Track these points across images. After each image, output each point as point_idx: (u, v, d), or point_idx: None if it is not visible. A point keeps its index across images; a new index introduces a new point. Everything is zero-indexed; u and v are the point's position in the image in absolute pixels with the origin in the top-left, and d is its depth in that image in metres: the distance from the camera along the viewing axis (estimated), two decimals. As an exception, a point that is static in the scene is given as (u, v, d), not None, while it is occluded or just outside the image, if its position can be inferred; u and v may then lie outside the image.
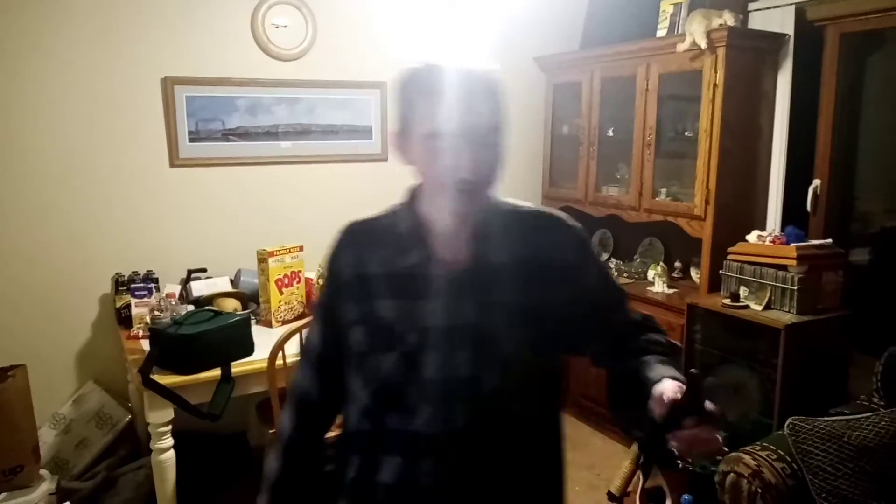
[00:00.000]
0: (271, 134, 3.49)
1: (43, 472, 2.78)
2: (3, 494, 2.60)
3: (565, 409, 3.09)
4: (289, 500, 1.39)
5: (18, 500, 2.60)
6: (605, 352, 1.31)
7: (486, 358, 1.16)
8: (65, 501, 2.80)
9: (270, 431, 2.74)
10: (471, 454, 1.18)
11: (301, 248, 3.16)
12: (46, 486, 2.70)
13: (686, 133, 3.40)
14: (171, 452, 2.60)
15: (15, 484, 2.64)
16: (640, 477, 2.85)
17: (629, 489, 3.00)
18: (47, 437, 3.05)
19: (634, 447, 3.02)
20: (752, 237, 2.99)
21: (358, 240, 1.28)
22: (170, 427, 2.57)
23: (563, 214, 1.29)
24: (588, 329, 1.28)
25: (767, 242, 2.92)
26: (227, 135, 3.39)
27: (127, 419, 3.16)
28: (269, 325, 3.05)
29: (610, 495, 3.06)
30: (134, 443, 3.18)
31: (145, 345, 2.77)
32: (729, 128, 3.14)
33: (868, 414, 2.32)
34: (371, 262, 1.22)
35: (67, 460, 3.04)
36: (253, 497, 3.12)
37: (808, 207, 3.14)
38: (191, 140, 3.31)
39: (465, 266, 1.17)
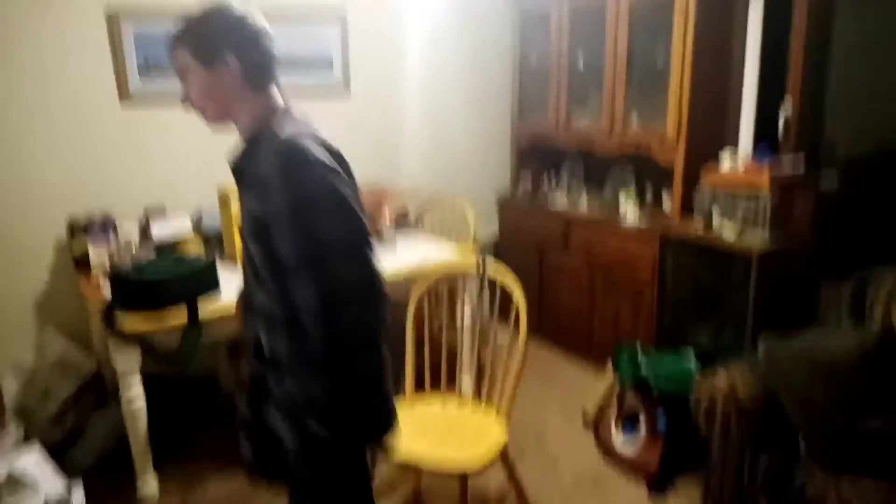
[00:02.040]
0: (228, 66, 3.32)
1: (9, 422, 2.69)
2: (-32, 446, 2.52)
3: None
4: None
5: (-16, 451, 2.51)
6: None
7: (247, 270, 1.44)
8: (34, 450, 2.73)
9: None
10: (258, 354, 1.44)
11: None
12: (13, 435, 2.62)
13: (658, 62, 3.33)
14: (142, 400, 2.53)
15: (-21, 435, 2.56)
16: (615, 402, 2.89)
17: (604, 414, 3.04)
18: (10, 386, 2.95)
19: (608, 372, 3.05)
20: (726, 156, 2.96)
21: None
22: (138, 374, 2.50)
23: (287, 145, 1.34)
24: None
25: (740, 166, 2.90)
26: (182, 68, 3.21)
27: (92, 366, 3.06)
28: (234, 261, 2.94)
29: (585, 421, 3.12)
30: (101, 390, 3.10)
31: (106, 291, 2.66)
32: (701, 53, 3.08)
33: (836, 330, 2.37)
34: None
35: (34, 410, 2.94)
36: (226, 439, 3.09)
37: (780, 135, 3.12)
38: (140, 74, 3.13)
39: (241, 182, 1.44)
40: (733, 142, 3.26)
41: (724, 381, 2.30)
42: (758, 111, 3.20)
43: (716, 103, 3.21)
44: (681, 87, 3.11)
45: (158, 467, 2.70)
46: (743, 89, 3.23)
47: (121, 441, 2.67)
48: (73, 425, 2.86)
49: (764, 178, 2.77)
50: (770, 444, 2.20)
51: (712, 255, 2.86)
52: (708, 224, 2.93)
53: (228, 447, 2.96)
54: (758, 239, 2.77)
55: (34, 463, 1.74)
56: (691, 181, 3.10)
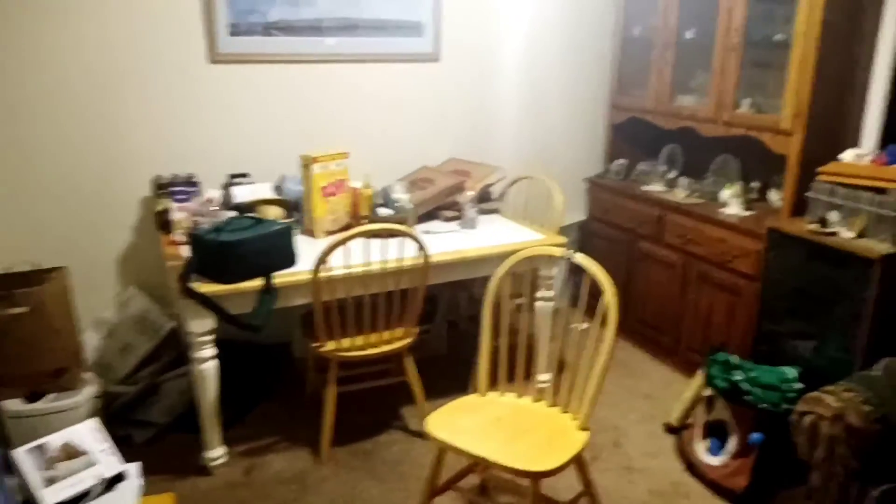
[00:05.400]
0: (315, 28, 3.22)
1: (87, 375, 2.75)
2: (50, 396, 2.59)
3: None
4: None
5: (64, 401, 2.58)
6: None
7: None
8: (109, 405, 2.79)
9: (314, 345, 2.63)
10: None
11: (346, 155, 2.96)
12: (91, 389, 2.68)
13: (776, 37, 3.01)
14: (213, 362, 2.52)
15: (60, 385, 2.62)
16: (703, 409, 2.68)
17: (689, 421, 2.84)
18: (91, 340, 3.03)
19: (697, 378, 2.83)
20: (848, 156, 2.66)
21: None
22: (211, 336, 2.48)
23: None
24: None
25: (866, 162, 2.59)
26: (269, 29, 3.14)
27: (170, 326, 3.09)
28: (312, 234, 2.90)
29: (667, 426, 2.92)
30: (178, 349, 3.13)
31: (185, 251, 2.66)
32: (829, 30, 2.75)
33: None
34: None
35: (112, 365, 3.01)
36: (295, 410, 3.08)
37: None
38: (231, 34, 3.08)
39: None
40: (856, 135, 2.94)
41: (833, 400, 2.05)
42: (889, 102, 2.86)
43: (841, 88, 2.88)
44: (802, 66, 2.79)
45: (226, 433, 2.70)
46: (873, 75, 2.89)
47: (193, 403, 2.67)
48: (150, 383, 2.90)
49: (893, 173, 2.45)
50: (881, 478, 1.95)
51: (826, 255, 2.57)
52: (823, 220, 2.64)
53: (296, 420, 2.96)
54: (882, 240, 2.47)
55: (91, 432, 1.73)
56: (806, 173, 2.80)
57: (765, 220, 2.90)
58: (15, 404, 2.52)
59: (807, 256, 2.65)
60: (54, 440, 1.67)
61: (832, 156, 2.75)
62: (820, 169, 2.71)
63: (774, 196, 3.20)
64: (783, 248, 2.75)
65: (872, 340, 2.45)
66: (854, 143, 2.92)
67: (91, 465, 1.66)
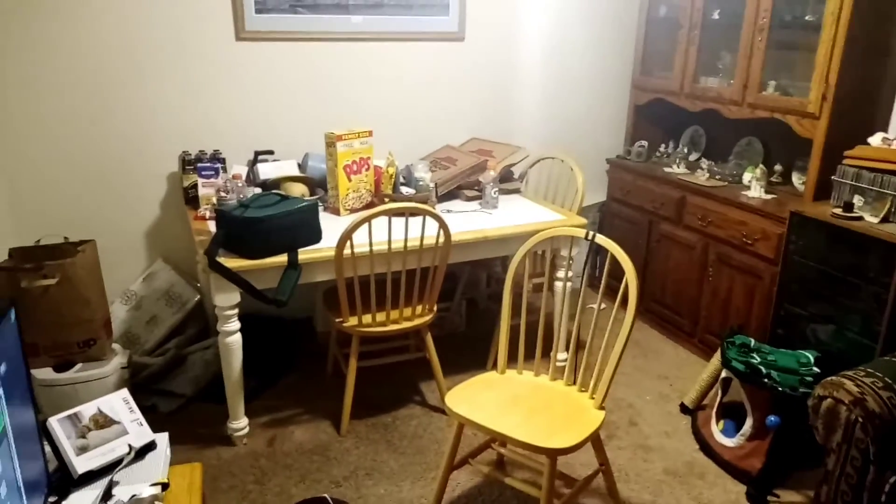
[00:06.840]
0: (341, 6, 3.23)
1: (115, 346, 2.82)
2: (79, 365, 2.66)
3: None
4: None
5: (92, 371, 2.64)
6: None
7: None
8: (135, 376, 2.86)
9: (336, 320, 2.68)
10: None
11: (370, 133, 2.98)
12: (118, 359, 2.75)
13: (807, 17, 2.97)
14: (238, 335, 2.57)
15: (88, 356, 2.69)
16: (719, 391, 2.70)
17: (704, 402, 2.86)
18: (119, 312, 3.09)
19: (714, 359, 2.85)
20: (876, 140, 2.64)
21: None
22: (236, 310, 2.53)
23: None
24: None
25: (894, 147, 2.57)
26: (295, 6, 3.15)
27: (196, 299, 3.16)
28: (336, 212, 2.93)
29: (683, 407, 2.94)
30: (203, 322, 3.20)
31: (212, 226, 2.70)
32: (860, 11, 2.70)
33: None
34: None
35: (139, 336, 3.09)
36: (317, 380, 3.13)
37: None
38: (257, 11, 3.10)
39: None
40: (884, 120, 2.91)
41: (853, 385, 2.06)
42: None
43: (870, 71, 2.84)
44: (832, 48, 2.75)
45: (249, 404, 2.76)
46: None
47: (219, 374, 2.73)
48: (175, 355, 2.97)
49: (923, 159, 2.43)
50: (899, 462, 1.96)
51: (849, 239, 2.56)
52: (848, 205, 2.62)
53: (318, 393, 3.02)
54: (907, 227, 2.45)
55: (122, 402, 1.78)
56: (831, 156, 2.78)
57: (787, 204, 2.89)
58: (45, 373, 2.59)
59: (829, 240, 2.64)
60: (87, 409, 1.72)
61: (859, 140, 2.73)
62: (847, 153, 2.69)
63: (798, 179, 3.18)
64: (805, 232, 2.74)
65: (894, 326, 2.44)
66: (882, 127, 2.89)
67: (122, 434, 1.71)
